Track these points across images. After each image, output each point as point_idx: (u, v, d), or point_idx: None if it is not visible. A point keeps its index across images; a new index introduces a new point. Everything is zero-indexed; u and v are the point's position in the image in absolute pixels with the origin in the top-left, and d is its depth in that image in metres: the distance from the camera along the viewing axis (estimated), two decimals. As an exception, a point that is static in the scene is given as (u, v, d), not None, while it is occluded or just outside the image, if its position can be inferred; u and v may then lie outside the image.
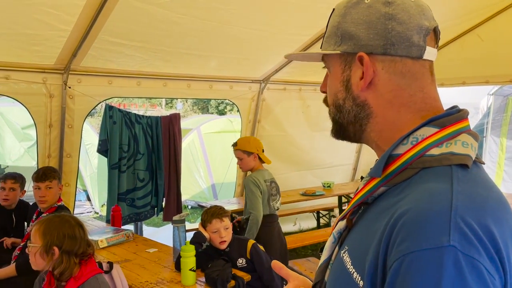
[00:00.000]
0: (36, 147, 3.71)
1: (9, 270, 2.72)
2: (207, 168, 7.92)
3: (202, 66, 4.21)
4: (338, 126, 0.79)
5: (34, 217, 3.06)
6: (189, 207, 7.79)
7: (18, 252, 2.99)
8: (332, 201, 6.00)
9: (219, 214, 2.63)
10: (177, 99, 20.20)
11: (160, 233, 6.02)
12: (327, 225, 6.31)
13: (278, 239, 3.40)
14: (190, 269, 2.41)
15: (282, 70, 4.71)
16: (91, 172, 7.74)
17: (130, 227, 4.40)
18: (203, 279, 2.47)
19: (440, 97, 0.75)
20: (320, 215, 6.30)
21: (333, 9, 0.78)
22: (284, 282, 2.75)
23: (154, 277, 2.53)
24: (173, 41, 3.54)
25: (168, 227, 5.91)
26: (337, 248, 0.76)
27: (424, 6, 0.73)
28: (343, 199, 5.66)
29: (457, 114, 0.70)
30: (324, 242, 0.81)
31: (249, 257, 2.63)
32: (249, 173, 3.51)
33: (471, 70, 4.82)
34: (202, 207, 7.08)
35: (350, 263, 0.67)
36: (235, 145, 3.45)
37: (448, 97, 6.31)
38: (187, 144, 7.82)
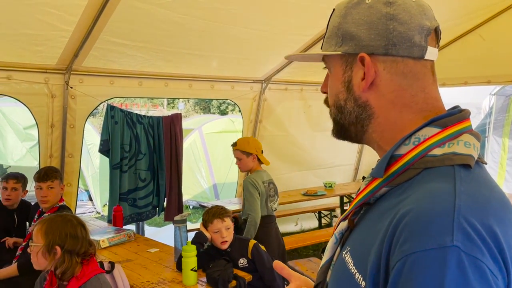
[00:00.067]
0: (38, 147, 3.72)
1: (11, 269, 2.73)
2: (208, 168, 7.92)
3: (204, 66, 4.21)
4: (339, 127, 0.79)
5: (36, 217, 3.06)
6: (191, 207, 7.79)
7: (20, 252, 3.00)
8: (334, 201, 6.00)
9: (221, 214, 2.64)
10: (178, 99, 20.21)
11: (161, 233, 6.02)
12: (329, 225, 6.31)
13: (276, 240, 3.40)
14: (192, 269, 2.41)
15: (284, 70, 4.71)
16: (93, 172, 7.76)
17: (132, 227, 4.41)
18: (205, 279, 2.47)
19: (441, 97, 0.75)
20: (322, 215, 6.30)
21: (333, 10, 0.78)
22: (286, 282, 2.75)
23: (155, 277, 2.53)
24: (174, 41, 3.54)
25: (170, 227, 5.91)
26: (338, 248, 0.76)
27: (425, 6, 0.73)
28: (345, 199, 5.66)
29: (459, 114, 0.69)
30: (326, 242, 0.80)
31: (250, 257, 2.63)
32: (248, 173, 3.51)
33: (473, 70, 4.81)
34: (203, 207, 7.10)
35: (352, 264, 0.67)
36: (234, 145, 3.44)
37: (450, 97, 6.30)
38: (188, 144, 7.83)
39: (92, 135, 7.65)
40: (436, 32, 0.73)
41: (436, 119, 0.68)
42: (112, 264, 2.20)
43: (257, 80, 4.91)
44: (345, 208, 5.68)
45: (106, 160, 4.26)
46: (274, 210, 3.46)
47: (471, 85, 5.13)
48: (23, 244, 3.02)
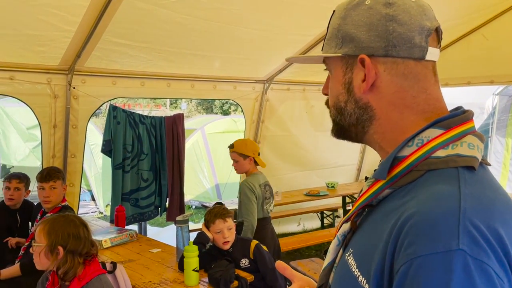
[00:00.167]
0: (40, 148, 3.73)
1: (14, 269, 2.74)
2: (211, 168, 7.93)
3: (206, 66, 4.21)
4: (338, 127, 0.79)
5: (39, 217, 3.07)
6: (193, 207, 7.80)
7: (23, 252, 3.01)
8: (336, 201, 5.99)
9: (223, 215, 2.64)
10: (181, 99, 20.23)
11: (164, 233, 6.03)
12: (331, 225, 6.30)
13: (272, 241, 3.40)
14: (193, 270, 2.42)
15: (286, 70, 4.71)
16: (96, 172, 7.78)
17: (134, 227, 4.42)
18: (206, 279, 2.47)
19: (443, 98, 0.74)
20: (324, 215, 6.29)
21: (333, 11, 0.78)
22: (288, 283, 2.75)
23: (157, 277, 2.53)
24: (177, 41, 3.55)
25: (172, 227, 5.91)
26: (341, 250, 0.75)
27: (425, 6, 0.72)
28: (347, 200, 5.65)
29: (462, 115, 0.69)
30: (328, 243, 0.80)
31: (252, 257, 2.63)
32: (244, 175, 3.50)
33: (476, 70, 4.79)
34: (206, 207, 7.11)
35: (355, 266, 0.66)
36: (231, 147, 3.42)
37: (453, 97, 6.28)
38: (191, 144, 7.83)
39: (94, 135, 7.67)
40: (437, 32, 0.72)
41: (439, 121, 0.68)
42: (114, 265, 2.21)
43: (259, 80, 4.91)
44: (347, 208, 5.67)
45: (108, 160, 4.27)
46: (270, 211, 3.46)
47: (474, 85, 5.11)
48: (26, 244, 3.03)
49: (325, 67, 0.81)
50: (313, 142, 5.60)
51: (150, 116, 4.54)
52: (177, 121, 4.50)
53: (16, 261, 2.94)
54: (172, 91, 4.33)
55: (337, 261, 0.76)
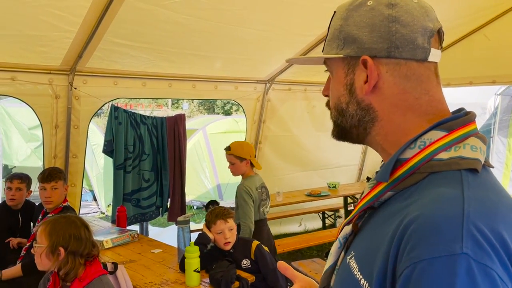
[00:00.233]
0: (42, 148, 3.73)
1: (15, 270, 2.74)
2: (212, 168, 7.93)
3: (207, 66, 4.21)
4: (339, 129, 0.78)
5: (40, 217, 3.08)
6: (195, 207, 7.80)
7: (24, 252, 3.01)
8: (338, 201, 5.98)
9: (224, 215, 2.63)
10: (183, 99, 20.24)
11: (165, 233, 6.03)
12: (333, 225, 6.30)
13: (268, 243, 3.40)
14: (195, 270, 2.41)
15: (287, 71, 4.71)
16: (97, 173, 7.79)
17: (136, 227, 4.42)
18: (207, 280, 2.47)
19: (445, 99, 0.73)
20: (326, 215, 6.28)
21: (334, 12, 0.77)
22: (289, 284, 2.75)
23: (158, 278, 2.53)
24: (178, 42, 3.55)
25: (174, 227, 5.90)
26: (343, 253, 0.75)
27: (428, 7, 0.72)
28: (349, 200, 5.64)
29: (464, 117, 0.69)
30: (330, 243, 0.80)
31: (253, 258, 2.62)
32: (240, 177, 3.48)
33: (478, 70, 4.78)
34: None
35: (357, 269, 0.66)
36: (228, 149, 3.39)
37: (455, 97, 6.28)
38: (192, 144, 7.84)
39: (96, 135, 7.68)
40: (439, 33, 0.72)
41: (442, 123, 0.67)
42: (115, 265, 2.21)
43: (261, 81, 4.91)
44: (349, 208, 5.67)
45: (110, 160, 4.28)
46: (266, 213, 3.46)
47: (476, 85, 5.10)
48: (27, 244, 3.03)
49: (326, 68, 0.80)
50: (315, 142, 5.60)
51: (151, 117, 4.54)
52: (178, 121, 4.51)
53: (18, 262, 2.94)
54: (173, 91, 4.33)
55: (338, 263, 0.75)
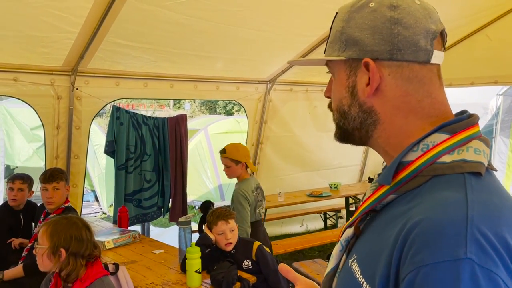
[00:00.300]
0: (44, 148, 3.74)
1: (17, 270, 2.75)
2: (214, 168, 7.92)
3: (209, 67, 4.21)
4: (342, 131, 0.78)
5: (42, 218, 3.08)
6: (196, 207, 7.80)
7: (26, 253, 3.02)
8: (339, 202, 5.98)
9: (225, 216, 2.63)
10: (184, 100, 20.25)
11: (167, 233, 6.04)
12: (334, 226, 6.29)
13: (264, 243, 3.39)
14: (196, 271, 2.41)
15: (289, 71, 4.70)
16: (99, 173, 7.79)
17: (138, 227, 4.43)
18: (209, 281, 2.47)
19: (448, 100, 0.73)
20: (327, 216, 6.27)
21: (336, 13, 0.77)
22: (291, 285, 2.75)
23: (159, 279, 2.53)
24: (179, 42, 3.55)
25: (175, 228, 5.92)
26: (344, 256, 0.75)
27: (431, 9, 0.71)
28: (350, 200, 5.64)
29: (468, 120, 0.68)
30: (331, 244, 0.80)
31: (254, 259, 2.62)
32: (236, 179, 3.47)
33: (480, 70, 4.77)
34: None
35: (359, 273, 0.66)
36: (223, 152, 3.35)
37: (457, 97, 6.26)
38: (194, 144, 7.84)
39: (98, 135, 7.68)
40: (442, 35, 0.71)
41: (445, 125, 0.67)
42: (116, 266, 2.21)
43: (262, 81, 4.91)
44: (350, 209, 5.66)
45: (112, 160, 4.28)
46: (262, 214, 3.45)
47: (478, 85, 5.09)
48: (29, 245, 3.04)
49: (328, 70, 0.80)
50: (316, 143, 5.59)
51: (153, 117, 4.54)
52: (180, 122, 4.51)
53: (19, 262, 2.95)
54: (175, 92, 4.34)
55: (340, 266, 0.75)
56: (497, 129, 6.65)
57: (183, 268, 2.54)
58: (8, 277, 2.71)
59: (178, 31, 3.33)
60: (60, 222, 1.93)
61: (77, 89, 3.63)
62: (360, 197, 5.41)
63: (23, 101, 3.52)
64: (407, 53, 0.68)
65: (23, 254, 3.03)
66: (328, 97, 0.82)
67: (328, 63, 0.79)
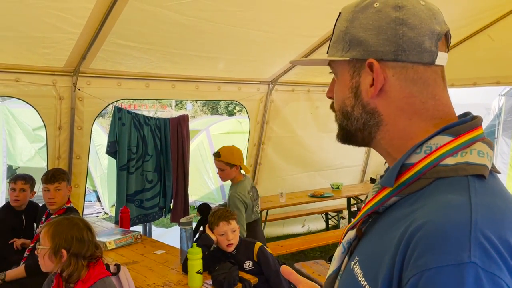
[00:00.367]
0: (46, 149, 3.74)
1: (19, 271, 2.75)
2: (215, 169, 7.92)
3: (210, 67, 4.21)
4: (344, 132, 0.77)
5: (44, 218, 3.08)
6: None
7: (28, 254, 3.02)
8: (341, 202, 5.97)
9: (226, 217, 2.63)
10: (186, 100, 20.27)
11: (169, 233, 6.03)
12: (336, 227, 6.28)
13: (262, 242, 3.40)
14: (197, 272, 2.41)
15: (291, 71, 4.70)
16: (101, 173, 7.79)
17: (139, 228, 4.43)
18: (210, 281, 2.46)
19: (451, 102, 0.72)
20: (329, 216, 6.27)
21: (340, 13, 0.76)
22: (292, 285, 2.74)
23: (161, 279, 2.53)
24: (181, 43, 3.55)
25: (177, 228, 5.92)
26: (346, 258, 0.74)
27: (435, 10, 0.70)
28: (352, 201, 5.63)
29: (471, 122, 0.68)
30: (333, 244, 0.79)
31: (256, 259, 2.62)
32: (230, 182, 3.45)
33: (482, 70, 4.76)
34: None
35: (361, 275, 0.65)
36: (217, 155, 3.34)
37: (459, 98, 6.25)
38: (196, 145, 7.84)
39: (100, 136, 7.69)
40: (447, 36, 0.71)
41: (448, 127, 0.66)
42: (118, 267, 2.21)
43: (264, 82, 4.90)
44: (352, 209, 5.65)
45: (114, 161, 4.29)
46: (258, 213, 3.45)
47: (480, 85, 5.08)
48: (31, 245, 3.04)
49: (330, 70, 0.79)
50: (318, 143, 5.59)
51: (154, 118, 4.55)
52: (181, 122, 4.51)
53: (21, 263, 2.95)
54: (176, 92, 4.34)
55: (342, 269, 0.74)
56: (499, 129, 6.64)
57: (185, 269, 2.54)
58: (10, 277, 2.71)
59: (179, 32, 3.33)
60: (61, 223, 1.93)
61: (79, 89, 3.63)
62: (362, 197, 5.40)
63: (25, 101, 3.52)
64: (412, 54, 0.68)
65: (25, 255, 3.04)
66: (330, 98, 0.81)
67: (331, 63, 0.78)
